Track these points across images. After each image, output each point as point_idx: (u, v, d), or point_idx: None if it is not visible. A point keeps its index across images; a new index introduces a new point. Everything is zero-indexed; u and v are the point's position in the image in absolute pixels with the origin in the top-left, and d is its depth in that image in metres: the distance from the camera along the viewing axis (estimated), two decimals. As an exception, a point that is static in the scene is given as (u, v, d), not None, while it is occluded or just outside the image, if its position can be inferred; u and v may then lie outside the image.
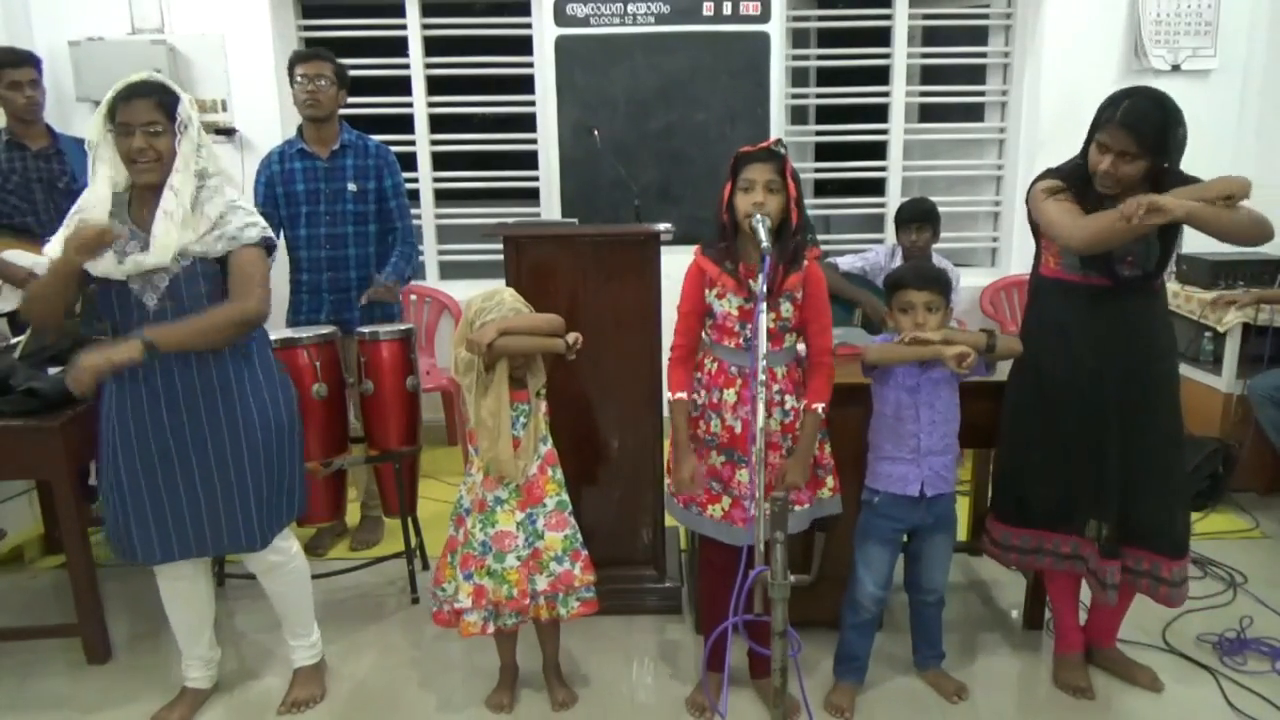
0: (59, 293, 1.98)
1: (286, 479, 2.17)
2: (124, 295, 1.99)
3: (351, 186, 3.00)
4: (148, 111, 1.93)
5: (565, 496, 2.23)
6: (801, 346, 2.16)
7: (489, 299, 2.10)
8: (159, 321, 1.98)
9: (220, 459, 2.05)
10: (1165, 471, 2.16)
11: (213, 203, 2.02)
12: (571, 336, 2.13)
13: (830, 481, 2.18)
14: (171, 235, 1.95)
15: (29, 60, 3.16)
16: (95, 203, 1.98)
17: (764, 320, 1.77)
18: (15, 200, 3.17)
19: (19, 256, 3.12)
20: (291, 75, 2.97)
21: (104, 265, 1.95)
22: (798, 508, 2.10)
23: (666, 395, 2.14)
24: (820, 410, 2.09)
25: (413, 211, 4.41)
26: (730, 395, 2.09)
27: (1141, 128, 1.96)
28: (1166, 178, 2.03)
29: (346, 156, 3.01)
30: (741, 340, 2.08)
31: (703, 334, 2.16)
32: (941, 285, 2.15)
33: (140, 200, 2.01)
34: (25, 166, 3.18)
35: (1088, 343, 2.12)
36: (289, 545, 2.26)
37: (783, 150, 2.01)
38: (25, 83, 3.12)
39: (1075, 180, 2.10)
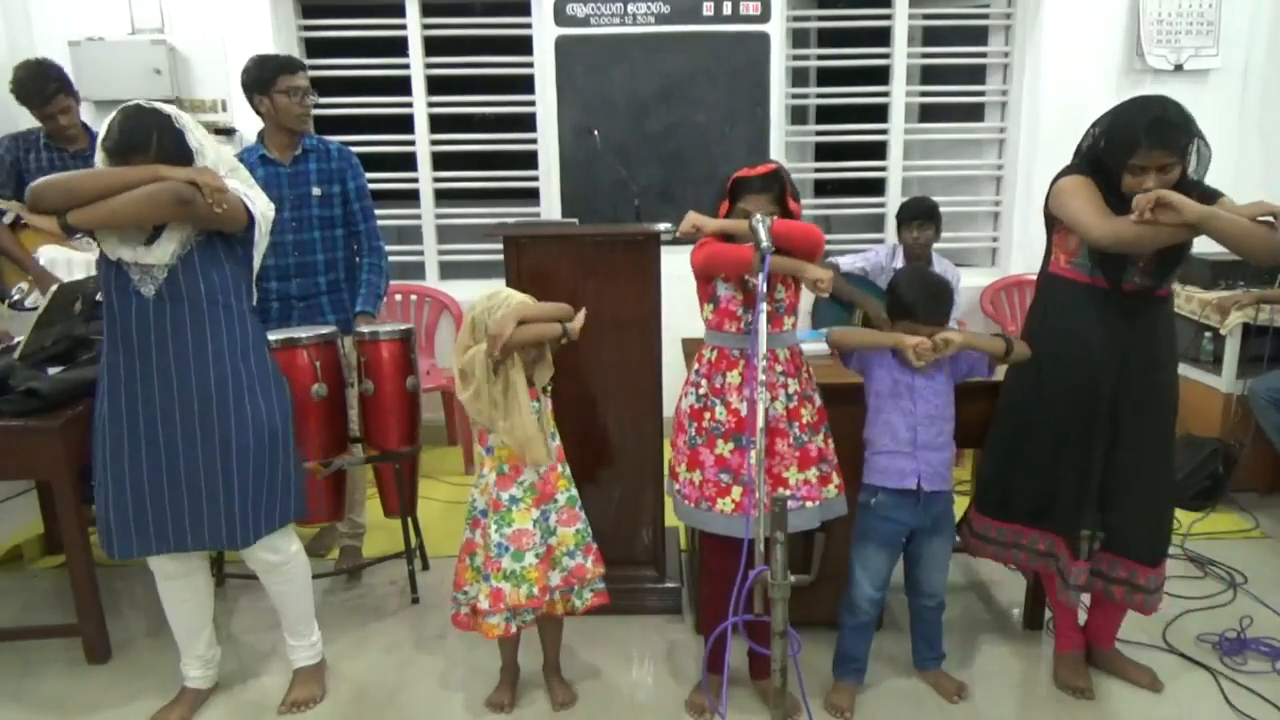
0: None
1: (278, 482, 2.15)
2: (123, 280, 1.98)
3: (316, 191, 2.93)
4: (152, 172, 1.91)
5: (575, 492, 2.24)
6: (800, 332, 2.20)
7: (493, 298, 2.10)
8: (157, 312, 1.98)
9: (209, 457, 2.04)
10: (1150, 481, 2.17)
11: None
12: (578, 319, 2.12)
13: (835, 479, 2.18)
14: (175, 239, 1.97)
15: (59, 90, 3.20)
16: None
17: (764, 320, 1.77)
18: None
19: (56, 251, 3.21)
20: (271, 84, 2.82)
21: (109, 243, 1.96)
22: (809, 504, 2.10)
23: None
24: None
25: (412, 211, 4.49)
26: (734, 377, 2.09)
27: (1174, 138, 1.94)
28: (1192, 187, 2.00)
29: (309, 161, 2.94)
30: (742, 325, 2.08)
31: (700, 325, 2.18)
32: (946, 309, 2.16)
33: None
34: (64, 167, 3.25)
35: (1090, 345, 2.12)
36: (288, 544, 2.25)
37: (783, 175, 2.01)
38: (57, 113, 3.22)
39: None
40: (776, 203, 1.99)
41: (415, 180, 4.46)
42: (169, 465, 2.03)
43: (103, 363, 2.07)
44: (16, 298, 3.20)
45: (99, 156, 1.96)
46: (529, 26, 4.27)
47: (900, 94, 4.39)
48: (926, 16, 4.37)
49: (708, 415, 2.13)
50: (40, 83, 3.16)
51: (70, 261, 3.20)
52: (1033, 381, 2.21)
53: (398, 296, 4.34)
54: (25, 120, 3.35)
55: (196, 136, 2.01)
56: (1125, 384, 2.12)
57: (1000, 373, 2.29)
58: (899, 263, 3.46)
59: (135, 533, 2.06)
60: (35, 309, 3.19)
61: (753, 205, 1.98)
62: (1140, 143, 1.94)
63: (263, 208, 2.09)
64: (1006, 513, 2.31)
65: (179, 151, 1.96)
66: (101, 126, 1.97)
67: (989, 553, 2.39)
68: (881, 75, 4.39)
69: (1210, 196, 2.03)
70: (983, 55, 4.43)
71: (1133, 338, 2.11)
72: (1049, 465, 2.21)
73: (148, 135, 1.92)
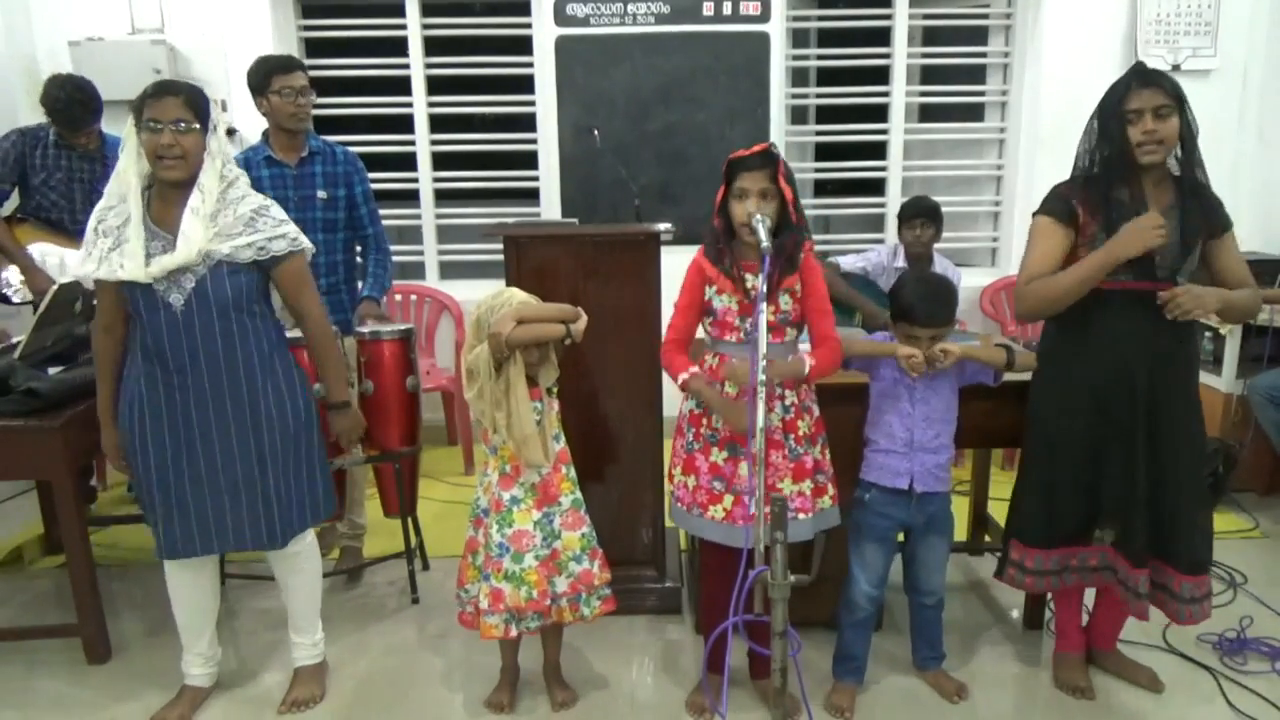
0: None
1: (306, 479, 2.19)
2: (149, 295, 1.98)
3: (321, 194, 2.93)
4: (176, 109, 1.94)
5: (579, 495, 2.23)
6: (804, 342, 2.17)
7: (497, 297, 2.10)
8: (186, 322, 1.99)
9: (245, 461, 2.07)
10: (1189, 482, 2.13)
11: (244, 202, 2.03)
12: (580, 323, 2.12)
13: (831, 490, 2.17)
14: (198, 232, 1.96)
15: (97, 117, 3.29)
16: (123, 194, 1.99)
17: (764, 320, 1.77)
18: (55, 197, 3.34)
19: (49, 247, 3.29)
20: (267, 85, 2.82)
21: (131, 270, 1.94)
22: (801, 515, 2.09)
23: (680, 377, 2.07)
24: (807, 362, 2.05)
25: (412, 211, 4.49)
26: (732, 387, 2.09)
27: (1160, 79, 1.99)
28: (1193, 164, 2.04)
29: (315, 164, 2.94)
30: (742, 334, 2.08)
31: (701, 331, 2.17)
32: (949, 312, 2.14)
33: (162, 200, 2.01)
34: (70, 165, 3.34)
35: (1116, 348, 2.09)
36: (305, 534, 2.27)
37: (776, 154, 2.00)
38: (83, 135, 3.29)
39: (1094, 190, 2.06)
40: (770, 181, 1.98)
41: (415, 180, 4.46)
42: (208, 473, 2.06)
43: (131, 375, 2.07)
44: (5, 291, 3.23)
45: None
46: (529, 26, 4.28)
47: (900, 94, 4.39)
48: (926, 16, 4.37)
49: (705, 422, 2.13)
50: (81, 111, 3.24)
51: (63, 260, 3.22)
52: (1060, 395, 2.17)
53: (398, 296, 4.34)
54: (25, 116, 3.36)
55: (215, 118, 2.04)
56: (1156, 384, 2.09)
57: (1018, 377, 2.26)
58: (900, 262, 3.47)
59: (198, 534, 2.10)
60: (23, 303, 3.23)
61: (748, 183, 1.98)
62: (1130, 85, 1.99)
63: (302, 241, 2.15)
64: (1053, 539, 2.22)
65: (204, 112, 1.99)
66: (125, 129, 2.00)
67: (1044, 586, 2.26)
68: (881, 75, 4.40)
69: (1220, 221, 2.07)
70: (983, 55, 4.44)
71: (1163, 339, 2.08)
72: (1091, 477, 2.16)
73: (180, 87, 1.99)
